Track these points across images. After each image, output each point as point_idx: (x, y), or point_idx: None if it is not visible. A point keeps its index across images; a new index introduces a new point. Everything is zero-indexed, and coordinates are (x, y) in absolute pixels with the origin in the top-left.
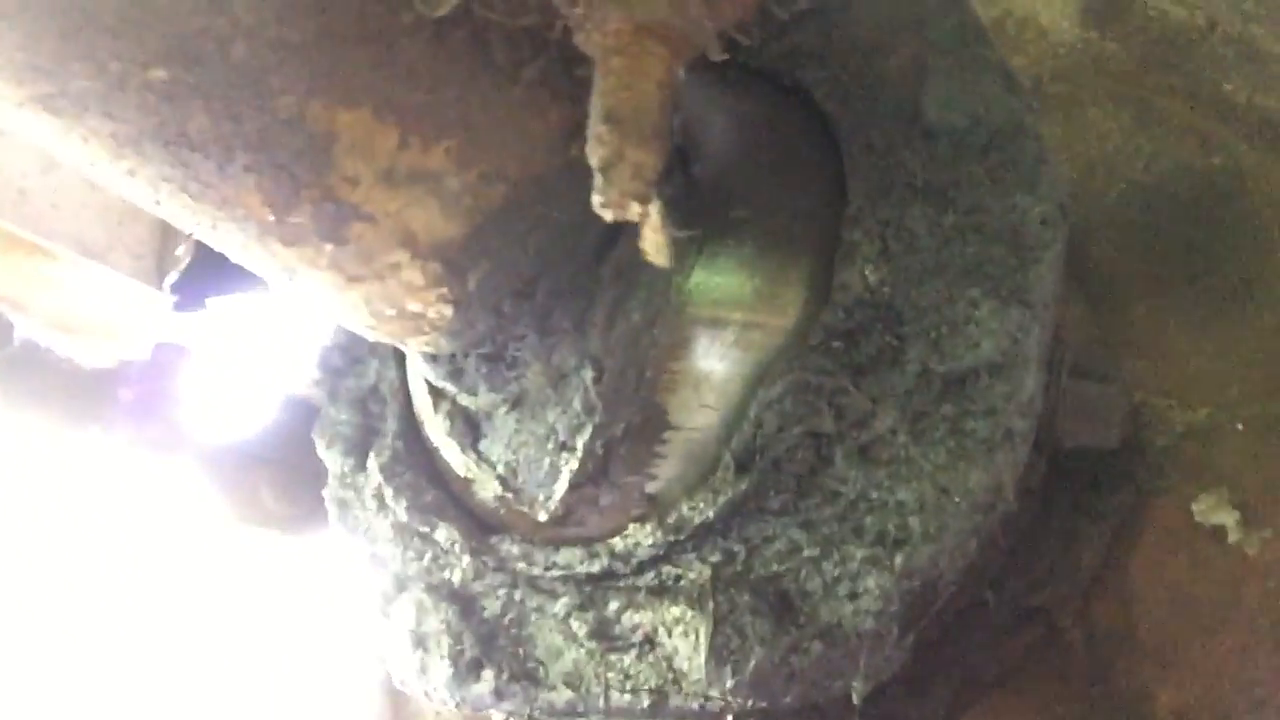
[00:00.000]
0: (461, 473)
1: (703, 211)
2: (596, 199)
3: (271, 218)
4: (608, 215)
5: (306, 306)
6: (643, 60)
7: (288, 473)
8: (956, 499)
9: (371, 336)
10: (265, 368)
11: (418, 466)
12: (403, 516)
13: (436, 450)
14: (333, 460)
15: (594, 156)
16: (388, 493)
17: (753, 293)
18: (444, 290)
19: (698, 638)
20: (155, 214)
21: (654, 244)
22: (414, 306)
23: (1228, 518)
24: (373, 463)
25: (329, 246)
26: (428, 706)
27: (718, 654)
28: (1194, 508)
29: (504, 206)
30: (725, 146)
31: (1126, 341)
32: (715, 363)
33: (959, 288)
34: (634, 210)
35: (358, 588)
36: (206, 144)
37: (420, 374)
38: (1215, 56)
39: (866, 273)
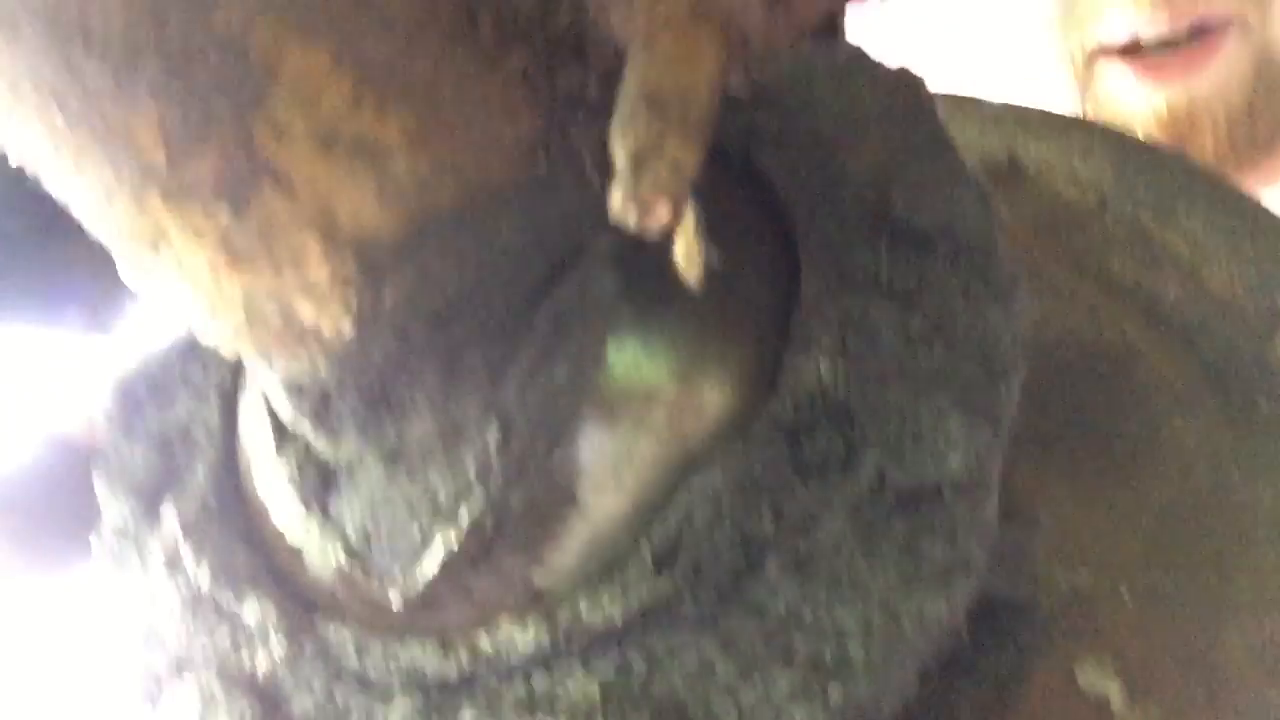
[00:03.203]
0: (293, 539)
1: (646, 272)
2: (620, 194)
3: (162, 160)
4: (629, 217)
5: (151, 294)
6: (696, 44)
7: (33, 522)
8: (909, 627)
9: (227, 348)
10: (24, 402)
11: (231, 526)
12: (203, 583)
13: (264, 511)
14: (116, 507)
15: (624, 143)
16: (186, 552)
17: (691, 370)
18: (352, 299)
19: None
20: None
21: (688, 254)
22: (306, 314)
23: (1112, 687)
24: (170, 513)
25: (224, 211)
26: None
27: None
28: (1078, 673)
29: (450, 210)
30: None
31: (1009, 499)
32: (640, 442)
33: (925, 395)
34: (660, 214)
35: (114, 665)
36: (110, 43)
37: (263, 406)
38: (1105, 235)
39: (821, 367)
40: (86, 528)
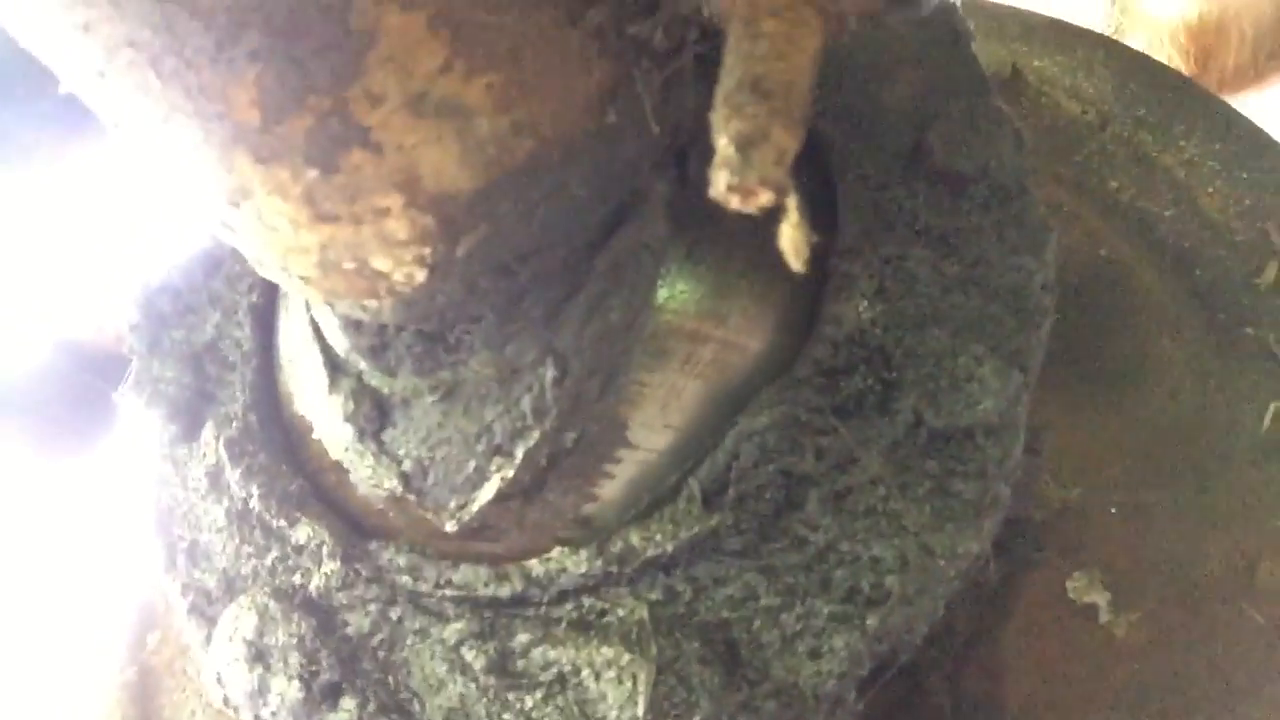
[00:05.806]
0: (341, 458)
1: (692, 215)
2: (725, 181)
3: (256, 124)
4: (733, 202)
5: (221, 236)
6: (799, 29)
7: (51, 425)
8: (942, 562)
9: (295, 288)
10: (32, 306)
11: (274, 448)
12: (254, 505)
13: (308, 430)
14: (150, 424)
15: (728, 130)
16: (233, 475)
17: (735, 311)
18: (426, 251)
19: (634, 685)
20: (79, 89)
21: (793, 242)
22: (381, 264)
23: (1100, 598)
24: (210, 435)
25: (312, 173)
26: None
27: (657, 706)
28: (1068, 585)
29: (526, 166)
30: None
31: None
32: (688, 380)
33: (961, 341)
34: (764, 199)
35: (156, 577)
36: (216, 11)
37: (311, 335)
38: (1105, 154)
39: (861, 310)
40: (97, 427)
